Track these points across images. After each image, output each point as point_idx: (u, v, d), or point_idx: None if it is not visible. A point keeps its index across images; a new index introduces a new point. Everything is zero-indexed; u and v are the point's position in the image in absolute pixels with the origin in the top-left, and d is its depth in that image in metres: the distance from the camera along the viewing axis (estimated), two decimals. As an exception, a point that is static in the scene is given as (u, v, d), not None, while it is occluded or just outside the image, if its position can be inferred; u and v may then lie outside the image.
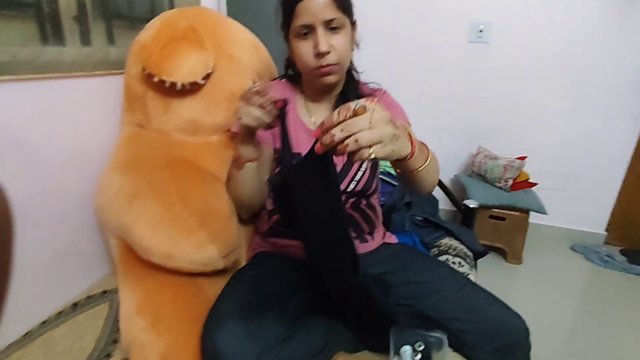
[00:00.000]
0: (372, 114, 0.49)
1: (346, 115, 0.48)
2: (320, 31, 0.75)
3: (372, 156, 0.49)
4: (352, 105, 0.49)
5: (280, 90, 0.91)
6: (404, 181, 0.76)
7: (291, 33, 0.79)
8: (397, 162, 0.62)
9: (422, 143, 0.67)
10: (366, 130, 0.48)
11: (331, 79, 0.81)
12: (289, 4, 0.76)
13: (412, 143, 0.59)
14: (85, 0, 0.85)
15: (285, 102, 0.78)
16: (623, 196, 2.07)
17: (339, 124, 0.48)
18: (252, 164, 0.79)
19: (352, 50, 0.86)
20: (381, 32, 2.08)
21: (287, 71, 0.95)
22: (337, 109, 0.50)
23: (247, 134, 0.75)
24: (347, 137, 0.48)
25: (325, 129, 0.49)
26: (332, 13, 0.74)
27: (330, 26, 0.76)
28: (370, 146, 0.48)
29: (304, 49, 0.78)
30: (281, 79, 0.97)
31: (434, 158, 0.69)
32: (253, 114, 0.69)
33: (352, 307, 0.73)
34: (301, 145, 0.86)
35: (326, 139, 0.49)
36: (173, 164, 0.82)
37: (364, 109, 0.49)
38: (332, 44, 0.76)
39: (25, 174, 0.75)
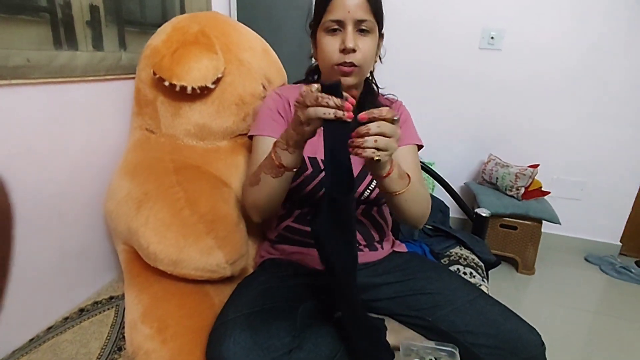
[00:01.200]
0: (397, 129, 0.60)
1: (386, 115, 0.58)
2: (350, 29, 0.76)
3: (376, 158, 0.59)
4: (394, 114, 0.59)
5: (296, 92, 0.90)
6: (388, 205, 0.80)
7: (320, 27, 0.80)
8: (377, 178, 0.69)
9: (406, 173, 0.73)
10: (389, 138, 0.59)
11: (349, 80, 0.81)
12: None
13: (391, 165, 0.67)
14: (99, 5, 0.86)
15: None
16: (639, 206, 2.02)
17: (378, 119, 0.58)
18: (290, 173, 0.72)
19: (375, 61, 0.87)
20: (392, 38, 2.08)
21: (307, 77, 0.96)
22: (385, 108, 0.59)
23: (302, 142, 0.67)
24: (374, 135, 0.58)
25: (372, 117, 0.58)
26: (364, 14, 0.76)
27: (360, 27, 0.77)
28: (378, 150, 0.58)
29: (330, 44, 0.79)
30: (296, 83, 0.97)
31: (416, 191, 0.75)
32: (324, 115, 0.58)
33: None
34: (313, 147, 0.85)
35: (362, 128, 0.58)
36: (182, 168, 0.82)
37: (396, 121, 0.60)
38: (358, 44, 0.77)
39: (36, 177, 0.75)
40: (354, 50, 0.77)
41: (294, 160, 0.69)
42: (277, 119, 0.86)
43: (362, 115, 0.59)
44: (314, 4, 0.82)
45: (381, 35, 0.85)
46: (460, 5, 1.97)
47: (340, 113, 0.57)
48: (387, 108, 0.59)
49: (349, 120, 0.57)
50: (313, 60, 0.91)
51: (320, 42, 0.81)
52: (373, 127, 0.57)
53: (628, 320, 1.62)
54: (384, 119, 0.58)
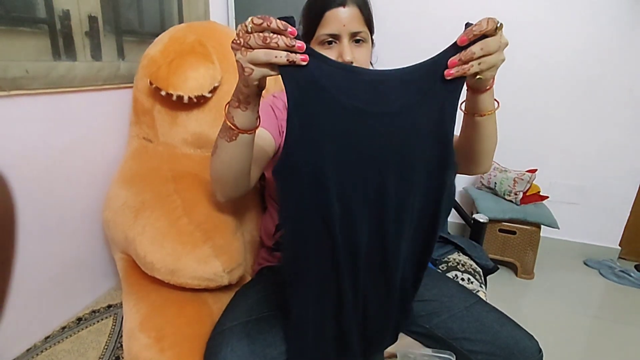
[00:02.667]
0: (502, 38, 0.51)
1: (488, 29, 0.50)
2: (346, 42, 0.75)
3: (477, 77, 0.52)
4: (495, 22, 0.50)
5: None
6: (471, 134, 0.70)
7: (314, 41, 0.78)
8: (474, 94, 0.62)
9: None
10: (497, 53, 0.51)
11: None
12: (316, 11, 0.75)
13: (493, 78, 0.59)
14: (97, 16, 0.87)
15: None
16: (637, 209, 2.03)
17: (480, 36, 0.50)
18: (247, 136, 0.62)
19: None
20: (386, 38, 2.09)
21: None
22: (484, 20, 0.50)
23: (253, 95, 0.57)
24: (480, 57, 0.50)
25: (473, 36, 0.50)
26: (358, 26, 0.75)
27: (355, 39, 0.76)
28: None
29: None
30: None
31: (495, 118, 0.68)
32: (267, 58, 0.49)
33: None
34: None
35: (465, 54, 0.50)
36: (179, 177, 0.82)
37: (499, 27, 0.50)
38: (355, 55, 0.76)
39: (35, 186, 0.76)
40: (351, 62, 0.77)
41: (247, 120, 0.60)
42: (269, 113, 0.84)
43: (462, 38, 0.51)
44: (301, 16, 0.81)
45: (372, 42, 0.84)
46: (458, 8, 1.98)
47: (294, 56, 0.49)
48: (486, 19, 0.50)
49: (304, 64, 0.49)
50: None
51: None
52: (477, 50, 0.50)
53: (627, 324, 1.61)
54: (486, 34, 0.50)
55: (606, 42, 1.85)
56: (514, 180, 1.87)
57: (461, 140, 0.71)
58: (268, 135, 0.78)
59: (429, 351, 0.75)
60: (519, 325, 0.75)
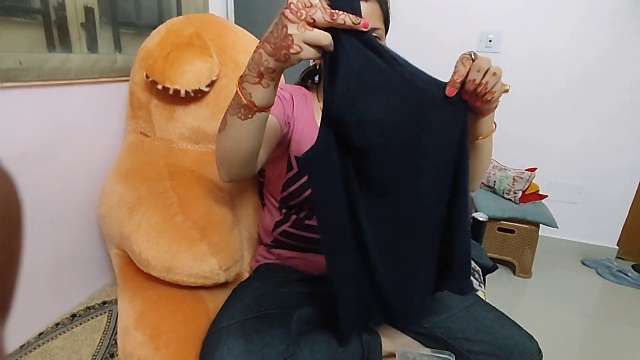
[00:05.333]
0: (485, 60, 0.54)
1: (471, 61, 0.54)
2: None
3: (507, 87, 0.55)
4: (467, 53, 0.55)
5: (296, 91, 0.86)
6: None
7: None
8: (477, 118, 0.64)
9: None
10: (492, 67, 0.54)
11: None
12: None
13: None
14: (93, 7, 0.85)
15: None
16: (635, 209, 2.03)
17: (468, 71, 0.53)
18: (263, 114, 0.58)
19: None
20: (388, 41, 2.08)
21: (304, 82, 0.91)
22: (460, 61, 0.54)
23: (280, 70, 0.52)
24: (482, 77, 0.53)
25: (461, 80, 0.54)
26: (377, 23, 0.72)
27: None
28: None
29: None
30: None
31: (491, 141, 0.71)
32: (315, 41, 0.46)
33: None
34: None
35: (470, 85, 0.54)
36: (175, 173, 0.81)
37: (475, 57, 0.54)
38: None
39: (29, 180, 0.74)
40: None
41: (267, 97, 0.55)
42: (276, 101, 0.79)
43: (449, 90, 0.54)
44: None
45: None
46: (458, 7, 1.97)
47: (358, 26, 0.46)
48: (459, 61, 0.55)
49: (365, 29, 0.47)
50: (311, 62, 0.88)
51: None
52: (475, 75, 0.53)
53: (624, 324, 1.62)
54: (474, 67, 0.53)
55: (606, 41, 1.84)
56: (514, 178, 1.87)
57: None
58: (275, 121, 0.74)
59: (427, 351, 0.74)
60: (518, 326, 0.74)
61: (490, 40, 1.96)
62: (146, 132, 0.90)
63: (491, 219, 1.79)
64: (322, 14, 0.45)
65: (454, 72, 0.54)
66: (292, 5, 0.45)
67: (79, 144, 0.85)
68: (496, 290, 1.76)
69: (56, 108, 0.79)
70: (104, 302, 0.85)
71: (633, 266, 2.03)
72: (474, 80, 0.53)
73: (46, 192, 0.78)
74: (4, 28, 0.69)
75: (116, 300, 0.80)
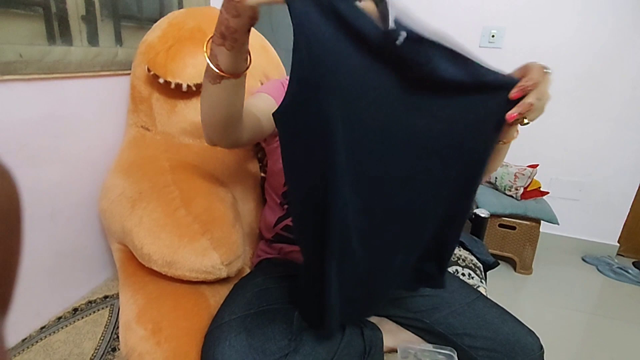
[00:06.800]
0: (545, 78, 0.49)
1: (540, 79, 0.48)
2: None
3: (526, 122, 0.50)
4: (545, 69, 0.49)
5: None
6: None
7: None
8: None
9: None
10: (546, 97, 0.49)
11: None
12: None
13: None
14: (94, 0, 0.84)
15: None
16: (636, 207, 2.02)
17: (533, 85, 0.48)
18: (232, 81, 0.55)
19: None
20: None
21: None
22: (530, 66, 0.49)
23: (242, 30, 0.49)
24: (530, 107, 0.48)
25: (524, 89, 0.48)
26: None
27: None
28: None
29: None
30: None
31: None
32: None
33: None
34: None
35: (525, 107, 0.48)
36: (177, 167, 0.80)
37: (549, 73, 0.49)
38: None
39: (29, 174, 0.74)
40: None
41: (232, 62, 0.52)
42: (279, 88, 0.79)
43: (516, 93, 0.48)
44: None
45: None
46: (461, 2, 1.95)
47: None
48: (535, 68, 0.49)
49: None
50: None
51: None
52: (534, 101, 0.48)
53: (624, 321, 1.62)
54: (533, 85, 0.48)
55: (609, 39, 1.83)
56: (515, 175, 1.86)
57: None
58: (273, 103, 0.72)
59: (429, 346, 0.74)
60: (520, 322, 0.74)
61: (493, 36, 1.95)
62: (147, 126, 0.89)
63: (492, 216, 1.79)
64: None
65: (526, 79, 0.48)
66: None
67: (79, 138, 0.84)
68: (497, 286, 1.76)
69: (57, 101, 0.79)
70: (106, 297, 0.85)
71: (634, 263, 2.04)
72: (531, 104, 0.48)
73: (47, 186, 0.78)
74: (4, 20, 0.68)
75: (118, 294, 0.80)
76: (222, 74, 0.53)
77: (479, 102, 0.51)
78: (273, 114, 0.52)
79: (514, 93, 0.49)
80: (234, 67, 0.53)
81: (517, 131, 0.63)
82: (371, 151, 0.53)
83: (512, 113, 0.49)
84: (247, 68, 0.56)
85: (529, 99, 0.48)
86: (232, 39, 0.49)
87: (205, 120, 0.63)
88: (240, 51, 0.52)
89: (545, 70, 0.49)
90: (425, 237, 0.61)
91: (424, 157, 0.54)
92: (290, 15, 0.45)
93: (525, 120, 0.50)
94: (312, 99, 0.48)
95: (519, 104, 0.49)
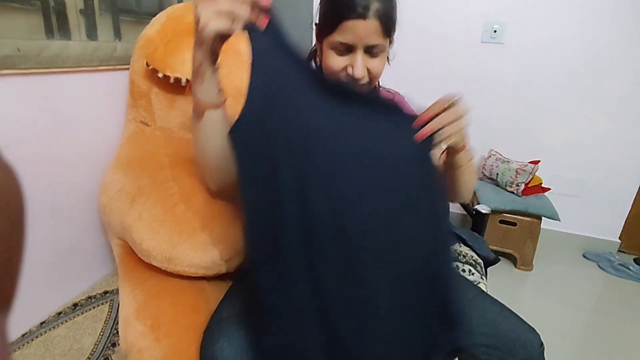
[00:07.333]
0: (457, 110, 0.61)
1: (442, 108, 0.59)
2: (360, 55, 0.69)
3: (448, 142, 0.62)
4: (448, 100, 0.60)
5: None
6: (447, 181, 0.76)
7: (327, 42, 0.72)
8: (449, 155, 0.70)
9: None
10: (453, 123, 0.60)
11: None
12: (335, 18, 0.68)
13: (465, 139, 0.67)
14: (92, -7, 0.83)
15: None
16: (638, 203, 2.01)
17: (435, 115, 0.59)
18: (214, 112, 0.59)
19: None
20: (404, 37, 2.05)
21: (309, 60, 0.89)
22: (439, 102, 0.61)
23: (207, 62, 0.55)
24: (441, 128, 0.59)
25: (427, 118, 0.60)
26: (376, 39, 0.68)
27: (371, 51, 0.70)
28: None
29: (337, 63, 0.71)
30: None
31: (474, 166, 0.75)
32: (224, 9, 0.49)
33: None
34: None
35: (426, 129, 0.60)
36: (176, 162, 0.80)
37: (454, 103, 0.60)
38: (368, 67, 0.71)
39: (27, 170, 0.74)
40: (360, 79, 0.71)
41: (207, 94, 0.57)
42: None
43: (417, 123, 0.60)
44: (319, 4, 0.74)
45: (391, 42, 0.78)
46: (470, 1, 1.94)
47: (254, 17, 0.51)
48: (436, 104, 0.60)
49: (260, 29, 0.51)
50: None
51: (325, 53, 0.73)
52: (434, 126, 0.59)
53: (625, 318, 1.62)
54: (439, 112, 0.59)
55: (611, 35, 1.81)
56: (516, 171, 1.85)
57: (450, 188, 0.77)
58: None
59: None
60: (521, 319, 0.74)
61: (495, 31, 1.93)
62: (146, 121, 0.89)
63: (493, 212, 1.78)
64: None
65: (426, 111, 0.60)
66: None
67: (78, 133, 0.84)
68: (497, 283, 1.76)
69: (55, 96, 0.78)
70: (106, 292, 0.85)
71: (635, 260, 2.03)
72: (432, 128, 0.59)
73: (46, 182, 0.78)
74: (2, 14, 0.68)
75: (117, 290, 0.80)
76: (201, 105, 0.58)
77: (399, 128, 0.60)
78: (229, 132, 0.57)
79: (415, 123, 0.60)
80: (209, 98, 0.58)
81: (470, 158, 0.72)
82: (316, 166, 0.57)
83: (416, 136, 0.60)
84: (224, 101, 0.61)
85: (430, 125, 0.59)
86: (198, 71, 0.55)
87: (202, 162, 0.67)
88: (210, 82, 0.57)
89: (443, 105, 0.60)
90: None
91: (369, 176, 0.58)
92: (250, 43, 0.53)
93: (448, 143, 0.62)
94: (259, 120, 0.55)
95: (427, 126, 0.59)
